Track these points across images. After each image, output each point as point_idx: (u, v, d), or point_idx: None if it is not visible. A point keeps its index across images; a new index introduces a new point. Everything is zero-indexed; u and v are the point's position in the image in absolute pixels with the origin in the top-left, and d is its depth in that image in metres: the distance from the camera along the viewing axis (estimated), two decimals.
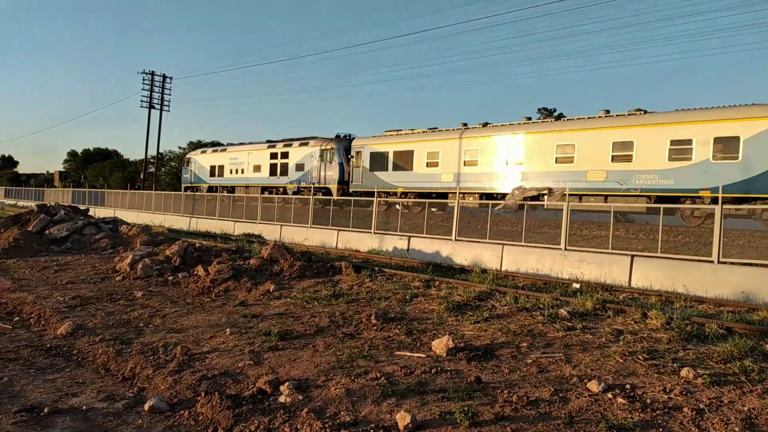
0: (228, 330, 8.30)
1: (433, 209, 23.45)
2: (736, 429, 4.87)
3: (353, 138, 32.21)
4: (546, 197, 21.94)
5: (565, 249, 17.04)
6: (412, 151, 27.85)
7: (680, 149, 19.28)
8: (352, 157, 30.85)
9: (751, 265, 13.89)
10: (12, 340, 8.16)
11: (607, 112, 22.55)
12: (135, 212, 40.66)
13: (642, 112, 21.32)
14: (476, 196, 24.82)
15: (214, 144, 66.15)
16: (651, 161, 19.92)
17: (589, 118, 22.91)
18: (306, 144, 33.77)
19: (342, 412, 5.31)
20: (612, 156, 20.92)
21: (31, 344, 7.98)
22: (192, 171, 44.00)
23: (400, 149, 28.53)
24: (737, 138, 18.05)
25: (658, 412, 5.23)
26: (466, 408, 5.21)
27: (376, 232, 23.35)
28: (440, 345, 7.18)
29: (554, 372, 6.39)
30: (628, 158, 20.48)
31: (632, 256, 15.51)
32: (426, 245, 21.06)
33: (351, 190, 30.44)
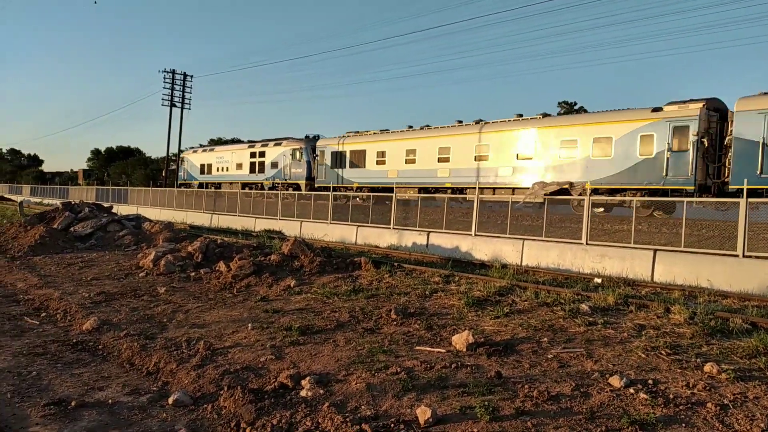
0: (250, 325, 8.39)
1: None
2: (762, 425, 4.80)
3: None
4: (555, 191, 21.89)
5: (587, 243, 16.90)
6: (365, 151, 31.85)
7: (569, 148, 23.04)
8: (317, 156, 34.82)
9: None
10: (40, 336, 8.34)
11: (520, 116, 26.04)
12: (157, 209, 41.17)
13: (541, 116, 25.05)
14: (415, 189, 28.16)
15: (234, 141, 67.32)
16: (548, 158, 23.74)
17: (501, 121, 26.67)
18: (279, 144, 38.07)
19: (363, 407, 5.35)
20: (517, 154, 24.78)
21: (58, 339, 8.14)
22: (185, 169, 48.89)
23: (356, 149, 32.54)
24: (610, 138, 21.72)
25: (681, 407, 5.18)
26: (486, 403, 5.21)
27: (395, 227, 23.37)
28: (460, 340, 7.17)
29: (575, 367, 6.36)
30: (530, 157, 24.43)
31: (655, 251, 15.34)
32: (445, 240, 21.03)
33: (316, 185, 34.18)
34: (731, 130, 19.22)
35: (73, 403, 5.66)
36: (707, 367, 6.10)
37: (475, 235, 20.18)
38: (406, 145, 29.85)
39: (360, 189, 30.75)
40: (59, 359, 7.24)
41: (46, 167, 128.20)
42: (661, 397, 5.40)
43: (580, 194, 21.08)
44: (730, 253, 14.33)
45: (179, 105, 55.60)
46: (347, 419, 5.02)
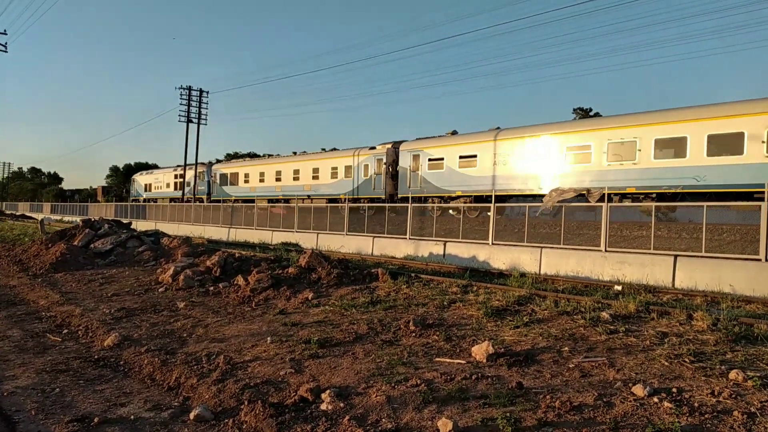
0: (269, 338, 8.41)
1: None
2: None
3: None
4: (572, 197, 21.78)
5: (606, 250, 16.76)
6: (238, 173, 45.13)
7: (334, 173, 35.34)
8: (213, 176, 48.39)
9: None
10: (62, 352, 8.42)
11: (324, 149, 41.51)
12: (176, 224, 41.57)
13: (322, 150, 41.05)
14: (265, 200, 39.65)
15: (249, 155, 69.47)
16: (326, 179, 35.89)
17: (306, 153, 41.48)
18: (191, 168, 52.11)
19: (383, 420, 5.32)
20: (312, 176, 37.12)
21: (80, 356, 8.22)
22: (135, 188, 63.21)
23: (233, 172, 45.97)
24: (351, 166, 33.86)
25: (706, 416, 5.09)
26: (508, 414, 5.17)
27: (411, 237, 23.37)
28: (480, 351, 7.13)
29: (597, 376, 6.28)
30: (317, 177, 36.73)
31: (675, 256, 15.16)
32: (462, 250, 20.96)
33: (212, 199, 47.42)
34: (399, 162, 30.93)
35: (96, 420, 5.70)
36: (732, 375, 5.99)
37: (493, 243, 20.10)
38: (259, 169, 42.90)
39: (236, 201, 42.39)
40: (81, 376, 7.30)
41: (65, 185, 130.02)
42: (685, 405, 5.31)
43: (598, 201, 20.91)
44: (752, 257, 14.12)
45: (196, 121, 56.11)
46: None
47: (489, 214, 20.89)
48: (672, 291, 13.09)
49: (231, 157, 77.99)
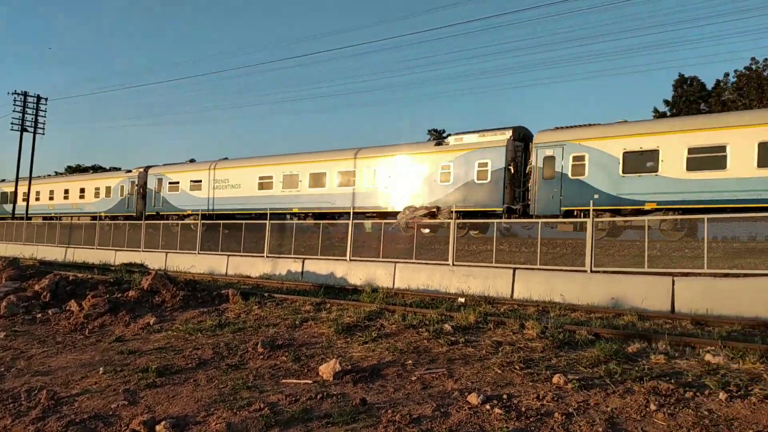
0: (101, 369, 7.78)
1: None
2: (600, 429, 5.20)
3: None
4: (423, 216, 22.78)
5: (453, 264, 17.59)
6: (53, 190, 46.35)
7: (97, 192, 38.60)
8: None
9: (619, 272, 15.03)
10: None
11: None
12: (3, 244, 37.45)
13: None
14: (41, 218, 42.99)
15: (94, 168, 65.05)
16: (91, 198, 39.03)
17: (77, 173, 49.15)
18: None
19: None
20: (79, 195, 40.22)
21: None
22: None
23: (12, 191, 48.97)
24: (110, 187, 37.68)
25: (531, 419, 5.47)
26: None
27: (269, 255, 22.94)
28: (327, 369, 7.12)
29: (437, 387, 6.53)
30: (83, 196, 40.10)
31: (514, 269, 16.25)
32: (321, 267, 20.94)
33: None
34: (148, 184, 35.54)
35: None
36: (555, 379, 6.52)
37: (351, 260, 20.31)
38: (35, 188, 46.11)
39: (14, 218, 45.55)
40: None
41: None
42: (514, 410, 5.67)
43: (447, 217, 21.97)
44: (580, 269, 15.55)
45: (31, 130, 50.98)
46: None
47: (348, 231, 21.21)
48: (510, 302, 14.02)
49: (72, 170, 71.90)
